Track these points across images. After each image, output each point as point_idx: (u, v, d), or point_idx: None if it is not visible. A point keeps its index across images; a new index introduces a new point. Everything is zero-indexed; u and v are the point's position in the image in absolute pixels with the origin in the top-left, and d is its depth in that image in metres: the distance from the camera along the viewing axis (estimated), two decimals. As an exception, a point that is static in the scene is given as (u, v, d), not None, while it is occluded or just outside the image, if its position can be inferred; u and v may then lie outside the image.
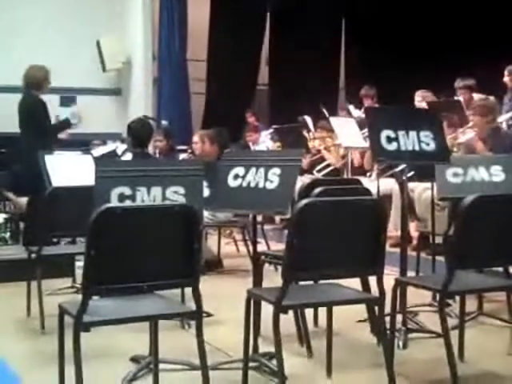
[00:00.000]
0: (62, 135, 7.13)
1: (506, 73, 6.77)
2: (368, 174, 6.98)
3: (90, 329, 2.63)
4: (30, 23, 9.63)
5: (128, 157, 6.37)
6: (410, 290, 3.55)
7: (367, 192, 4.04)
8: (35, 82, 6.66)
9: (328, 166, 7.39)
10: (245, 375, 3.16)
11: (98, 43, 9.98)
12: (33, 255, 4.33)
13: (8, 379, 3.22)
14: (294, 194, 3.74)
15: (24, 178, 6.55)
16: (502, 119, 6.15)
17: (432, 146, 3.76)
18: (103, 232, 2.54)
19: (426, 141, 3.76)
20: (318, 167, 7.27)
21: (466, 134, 5.73)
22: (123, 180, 2.96)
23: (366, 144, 6.07)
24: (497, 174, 4.01)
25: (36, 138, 6.51)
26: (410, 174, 4.45)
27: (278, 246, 5.72)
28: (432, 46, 8.83)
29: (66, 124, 7.10)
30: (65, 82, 8.88)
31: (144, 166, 3.15)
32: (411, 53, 9.01)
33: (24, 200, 6.64)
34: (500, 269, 4.02)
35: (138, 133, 5.55)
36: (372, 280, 3.13)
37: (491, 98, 6.66)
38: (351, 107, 8.42)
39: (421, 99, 7.35)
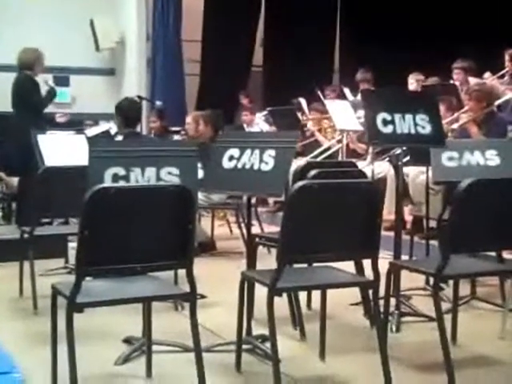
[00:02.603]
0: (60, 119, 7.07)
1: (507, 57, 6.68)
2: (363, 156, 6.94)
3: (83, 310, 2.62)
4: (24, 2, 9.52)
5: (120, 138, 6.32)
6: (404, 273, 3.55)
7: (363, 175, 4.02)
8: (27, 64, 6.69)
9: (323, 151, 7.30)
10: (238, 357, 3.17)
11: (91, 22, 9.87)
12: (25, 235, 4.31)
13: (2, 361, 3.21)
14: (289, 177, 3.72)
15: (16, 157, 6.51)
16: (498, 103, 6.13)
17: (428, 130, 3.74)
18: (97, 212, 2.52)
19: (421, 124, 3.74)
20: (314, 153, 7.20)
21: (461, 120, 5.72)
22: (117, 160, 2.93)
23: (361, 127, 6.06)
24: (492, 158, 4.01)
25: (29, 117, 6.47)
26: (405, 160, 4.44)
27: (271, 228, 5.73)
28: (428, 28, 8.79)
29: (51, 94, 7.00)
30: (58, 62, 8.79)
31: (138, 146, 3.13)
32: (406, 35, 8.97)
33: (16, 180, 6.62)
34: (493, 253, 4.04)
35: (127, 112, 5.50)
36: (366, 264, 3.13)
37: (488, 82, 6.64)
38: (347, 90, 8.39)
39: (414, 82, 7.34)
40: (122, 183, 2.87)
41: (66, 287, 2.62)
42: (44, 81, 6.96)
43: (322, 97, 7.68)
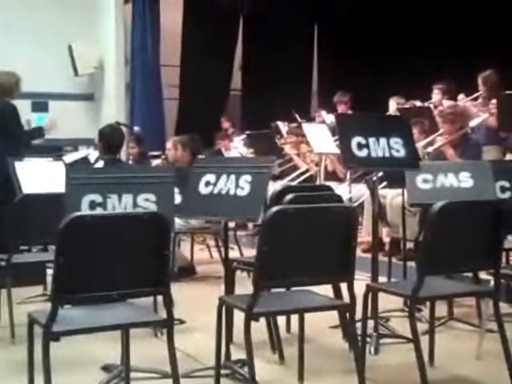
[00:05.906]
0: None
1: (480, 81, 6.74)
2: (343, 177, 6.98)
3: (60, 338, 2.61)
4: (1, 27, 9.54)
5: (101, 164, 6.33)
6: (383, 295, 3.57)
7: (338, 198, 4.06)
8: (5, 89, 6.60)
9: (301, 174, 7.35)
10: (217, 383, 3.16)
11: (69, 48, 9.91)
12: (3, 263, 4.28)
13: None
14: (266, 201, 3.75)
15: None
16: (473, 125, 6.21)
17: (402, 153, 3.79)
18: (73, 240, 2.52)
19: (396, 147, 3.79)
20: (291, 176, 7.25)
21: (436, 143, 5.79)
22: (94, 187, 2.95)
23: (338, 150, 6.11)
24: (465, 180, 4.07)
25: (6, 143, 6.42)
26: (382, 185, 4.48)
27: (252, 252, 5.72)
28: (406, 51, 8.90)
29: (38, 133, 7.00)
30: (37, 87, 8.79)
31: (115, 173, 3.15)
32: (384, 58, 9.09)
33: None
34: (469, 274, 4.08)
35: (109, 139, 5.54)
36: (344, 286, 3.15)
37: (461, 104, 6.73)
38: (324, 113, 8.47)
39: (395, 105, 7.43)
40: (99, 210, 2.88)
41: (42, 315, 2.61)
42: (26, 120, 6.94)
43: (299, 120, 7.74)
